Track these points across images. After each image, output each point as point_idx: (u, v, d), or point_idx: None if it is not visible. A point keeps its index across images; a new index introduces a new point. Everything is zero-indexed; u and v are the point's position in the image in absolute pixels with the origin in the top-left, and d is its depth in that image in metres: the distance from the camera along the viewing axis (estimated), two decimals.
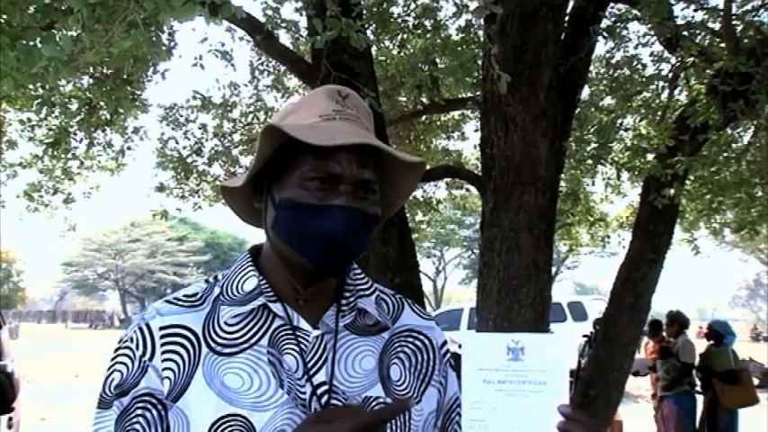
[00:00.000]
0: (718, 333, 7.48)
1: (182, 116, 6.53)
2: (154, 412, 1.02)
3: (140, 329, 1.05)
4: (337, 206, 1.00)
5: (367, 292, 1.14)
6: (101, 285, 54.44)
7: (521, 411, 0.95)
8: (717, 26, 4.28)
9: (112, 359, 1.06)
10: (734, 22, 3.97)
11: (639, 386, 10.88)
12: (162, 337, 1.04)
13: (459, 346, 1.02)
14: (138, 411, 1.02)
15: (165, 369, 1.03)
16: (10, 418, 5.98)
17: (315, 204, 1.01)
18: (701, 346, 7.53)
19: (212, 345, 1.04)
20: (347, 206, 1.01)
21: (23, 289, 51.94)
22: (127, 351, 1.05)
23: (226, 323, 1.05)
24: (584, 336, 8.33)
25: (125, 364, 1.04)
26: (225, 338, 1.05)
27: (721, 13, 3.94)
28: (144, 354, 1.03)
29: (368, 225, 1.04)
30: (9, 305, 44.64)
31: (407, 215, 4.94)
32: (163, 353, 1.03)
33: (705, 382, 7.33)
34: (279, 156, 1.05)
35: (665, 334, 7.55)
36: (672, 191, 4.18)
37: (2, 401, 5.85)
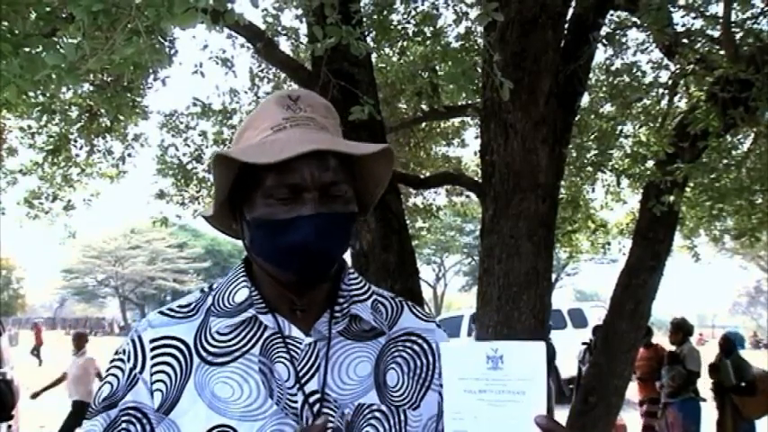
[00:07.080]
0: (730, 341, 7.45)
1: (182, 123, 6.54)
2: (138, 426, 1.02)
3: (132, 342, 1.07)
4: (304, 216, 1.00)
5: (362, 298, 1.13)
6: (100, 292, 54.30)
7: (501, 421, 0.94)
8: (716, 33, 4.30)
9: (107, 370, 1.08)
10: (733, 30, 3.97)
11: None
12: (153, 349, 1.05)
13: None
14: (123, 425, 1.02)
15: (156, 381, 1.03)
16: (9, 426, 5.97)
17: (282, 219, 1.01)
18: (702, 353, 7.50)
19: (203, 355, 1.05)
20: (314, 214, 1.00)
21: (23, 296, 51.80)
22: (119, 363, 1.06)
23: (217, 332, 1.06)
24: (584, 343, 8.32)
25: (116, 376, 1.06)
26: (216, 348, 1.05)
27: (721, 21, 3.95)
28: (134, 366, 1.04)
29: (342, 225, 1.04)
30: (9, 312, 44.52)
31: (407, 222, 4.93)
32: (153, 365, 1.04)
33: (719, 394, 7.29)
34: (242, 177, 1.05)
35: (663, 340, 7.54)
36: (672, 198, 4.18)
37: (1, 409, 5.84)
